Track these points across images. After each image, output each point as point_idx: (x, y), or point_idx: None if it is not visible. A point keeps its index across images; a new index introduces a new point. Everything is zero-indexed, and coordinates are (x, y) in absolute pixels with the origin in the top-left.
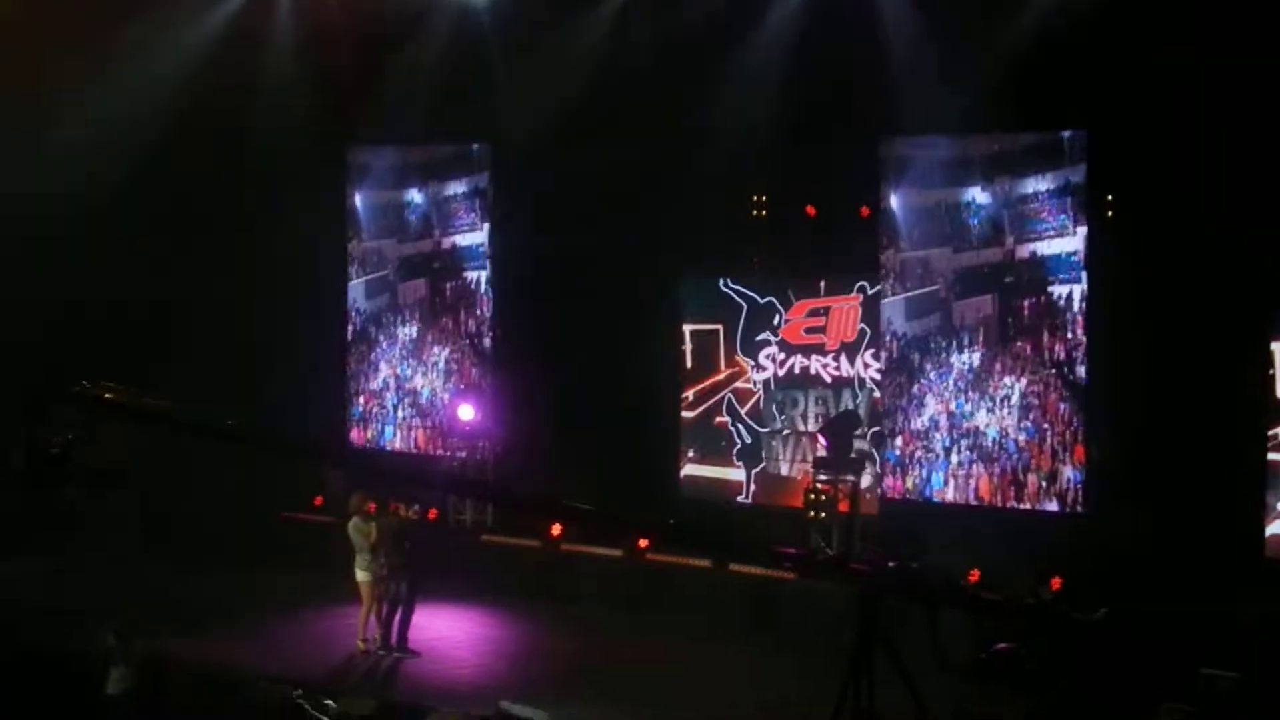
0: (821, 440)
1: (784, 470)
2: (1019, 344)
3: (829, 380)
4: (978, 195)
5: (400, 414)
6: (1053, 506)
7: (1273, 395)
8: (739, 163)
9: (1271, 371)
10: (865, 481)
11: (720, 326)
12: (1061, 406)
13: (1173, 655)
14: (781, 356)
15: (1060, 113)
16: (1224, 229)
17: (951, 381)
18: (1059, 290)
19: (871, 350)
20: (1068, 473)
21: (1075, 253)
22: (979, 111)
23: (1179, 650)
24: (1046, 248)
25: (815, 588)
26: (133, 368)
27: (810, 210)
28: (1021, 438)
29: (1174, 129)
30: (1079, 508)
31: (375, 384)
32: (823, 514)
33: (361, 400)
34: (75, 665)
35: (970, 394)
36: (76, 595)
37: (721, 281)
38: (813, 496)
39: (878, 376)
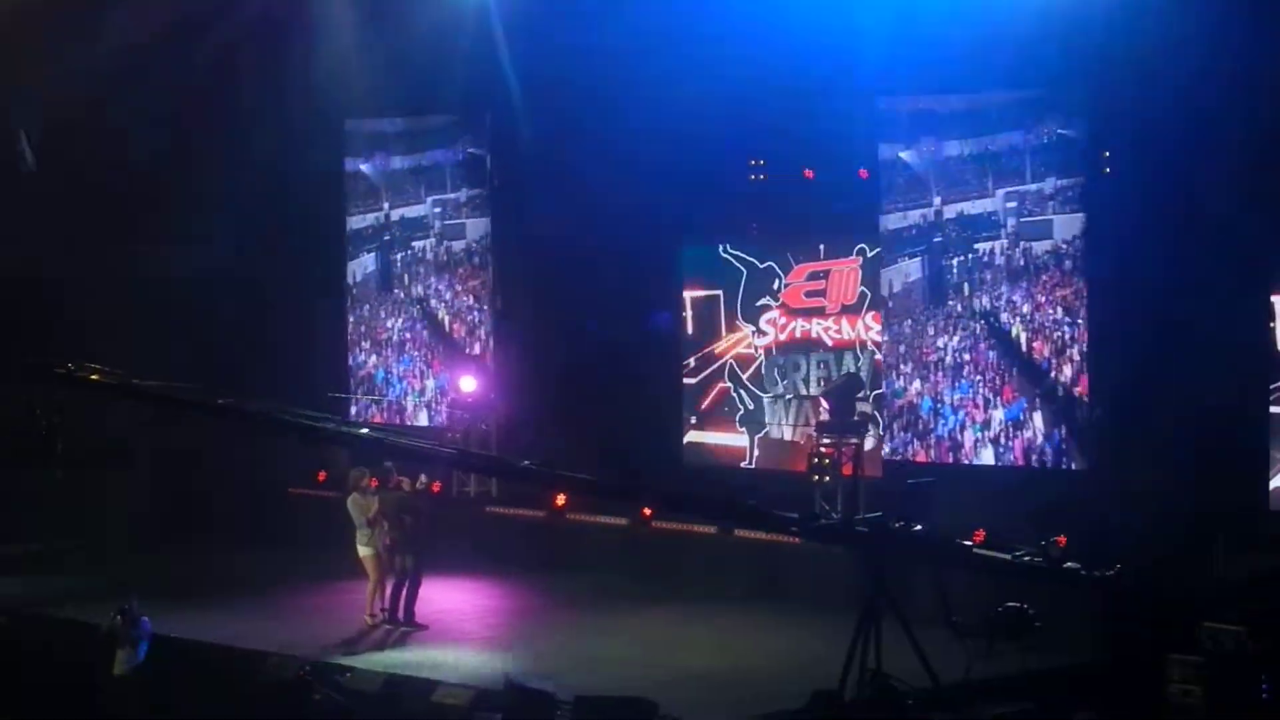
0: (824, 404)
1: (787, 435)
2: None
3: (830, 344)
4: (967, 149)
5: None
6: (1056, 464)
7: (1274, 348)
8: (737, 127)
9: (1272, 324)
10: (868, 444)
11: (720, 292)
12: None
13: (1178, 609)
14: (782, 321)
15: (1058, 66)
16: (1226, 181)
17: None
18: (1057, 243)
19: (872, 313)
20: (1064, 430)
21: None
22: (973, 67)
23: (1184, 604)
24: (1043, 204)
25: (821, 551)
26: (125, 344)
27: (808, 174)
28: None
29: (1173, 78)
30: (1073, 465)
31: (372, 356)
32: (826, 477)
33: (363, 367)
34: (81, 646)
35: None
36: (80, 575)
37: (721, 247)
38: (816, 460)
39: (879, 339)
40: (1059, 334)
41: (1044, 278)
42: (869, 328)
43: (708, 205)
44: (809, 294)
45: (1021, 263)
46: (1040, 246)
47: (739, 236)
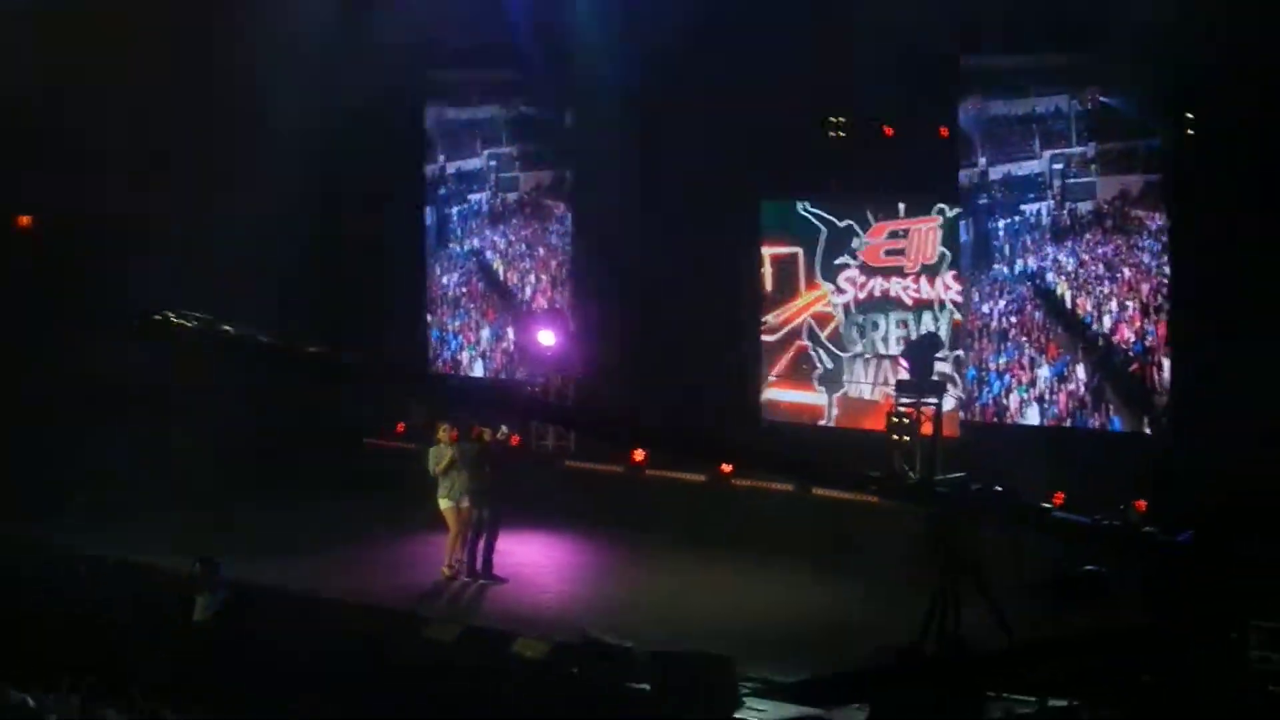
0: (903, 363)
1: (865, 394)
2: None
3: (909, 303)
4: (1056, 106)
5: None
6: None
7: None
8: (817, 83)
9: None
10: (947, 404)
11: (800, 250)
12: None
13: (1261, 575)
14: (861, 279)
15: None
16: None
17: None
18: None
19: (952, 272)
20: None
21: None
22: (1056, 28)
23: (1267, 570)
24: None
25: (899, 511)
26: (209, 294)
27: (888, 131)
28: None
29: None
30: (1159, 427)
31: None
32: (905, 437)
33: (441, 324)
34: (162, 592)
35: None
36: (158, 524)
37: (800, 205)
38: (894, 420)
39: (958, 299)
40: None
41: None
42: (948, 287)
43: (787, 162)
44: (888, 252)
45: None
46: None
47: (818, 194)
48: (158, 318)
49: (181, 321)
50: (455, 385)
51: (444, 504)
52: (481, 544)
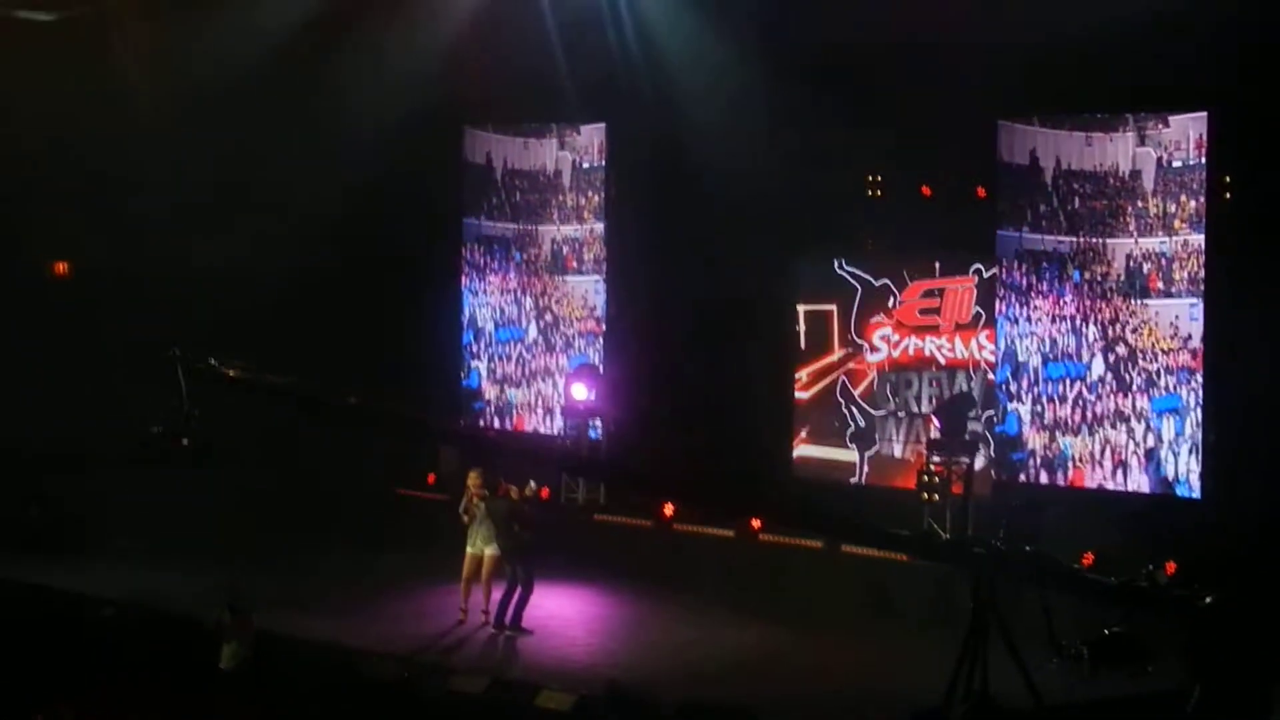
0: (935, 422)
1: (897, 452)
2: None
3: (943, 362)
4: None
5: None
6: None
7: None
8: (855, 142)
9: None
10: (978, 463)
11: (834, 307)
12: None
13: None
14: (896, 338)
15: (1177, 92)
16: None
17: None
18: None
19: (986, 332)
20: (1183, 457)
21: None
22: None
23: None
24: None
25: (928, 570)
26: (241, 340)
27: (926, 190)
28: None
29: None
30: (1194, 492)
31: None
32: (936, 496)
33: (476, 378)
34: (189, 640)
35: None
36: (190, 571)
37: (836, 263)
38: (926, 478)
39: (992, 359)
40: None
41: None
42: (982, 346)
43: (825, 220)
44: (923, 311)
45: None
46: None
47: (855, 252)
48: (200, 366)
49: (225, 370)
50: (487, 438)
51: (469, 550)
52: (514, 598)
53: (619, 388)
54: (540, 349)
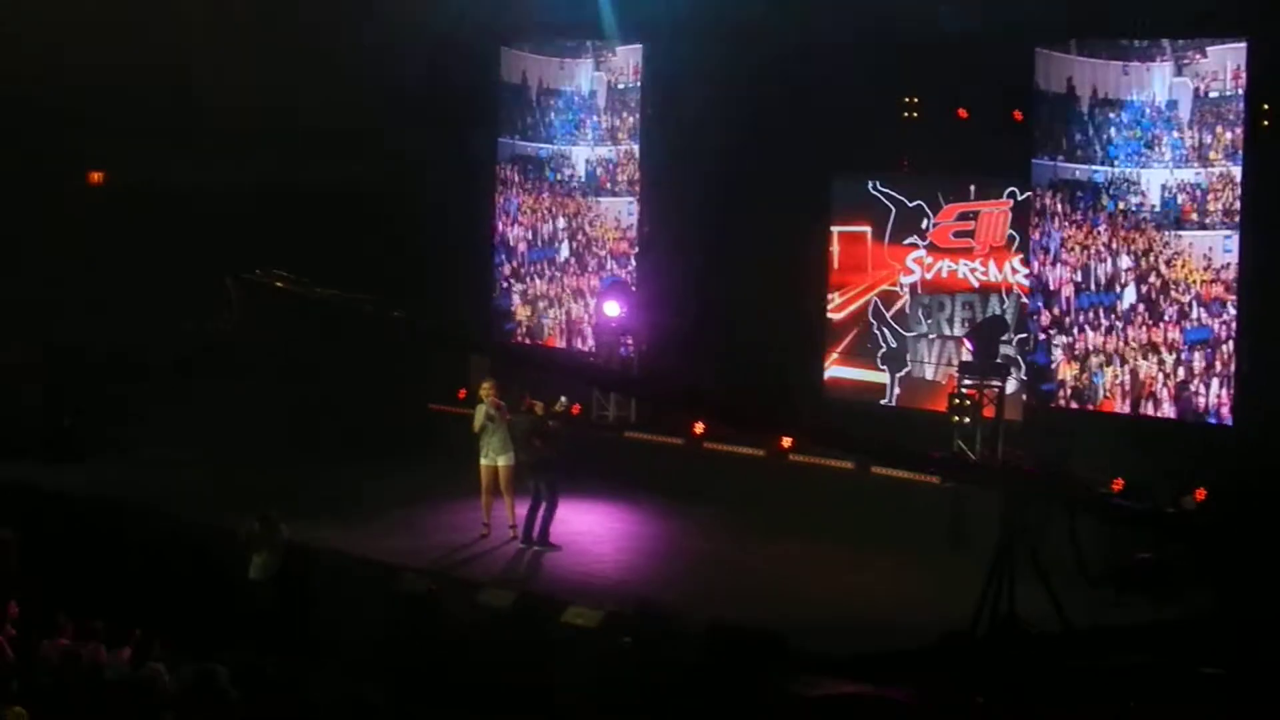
0: (967, 345)
1: (928, 374)
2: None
3: (976, 286)
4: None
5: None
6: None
7: None
8: (892, 63)
9: None
10: (1010, 387)
11: (868, 228)
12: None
13: None
14: (929, 260)
15: (1215, 20)
16: None
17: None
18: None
19: (1019, 256)
20: (1214, 388)
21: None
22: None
23: None
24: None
25: (957, 493)
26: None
27: (962, 113)
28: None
29: None
30: (1225, 422)
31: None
32: (966, 419)
33: (506, 292)
34: (219, 548)
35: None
36: (223, 481)
37: (871, 183)
38: (957, 401)
39: (1025, 283)
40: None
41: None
42: (1015, 270)
43: (860, 140)
44: (957, 234)
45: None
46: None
47: (890, 173)
48: (247, 276)
49: (271, 279)
50: (517, 352)
51: (481, 462)
52: (539, 514)
53: (651, 306)
54: (573, 269)
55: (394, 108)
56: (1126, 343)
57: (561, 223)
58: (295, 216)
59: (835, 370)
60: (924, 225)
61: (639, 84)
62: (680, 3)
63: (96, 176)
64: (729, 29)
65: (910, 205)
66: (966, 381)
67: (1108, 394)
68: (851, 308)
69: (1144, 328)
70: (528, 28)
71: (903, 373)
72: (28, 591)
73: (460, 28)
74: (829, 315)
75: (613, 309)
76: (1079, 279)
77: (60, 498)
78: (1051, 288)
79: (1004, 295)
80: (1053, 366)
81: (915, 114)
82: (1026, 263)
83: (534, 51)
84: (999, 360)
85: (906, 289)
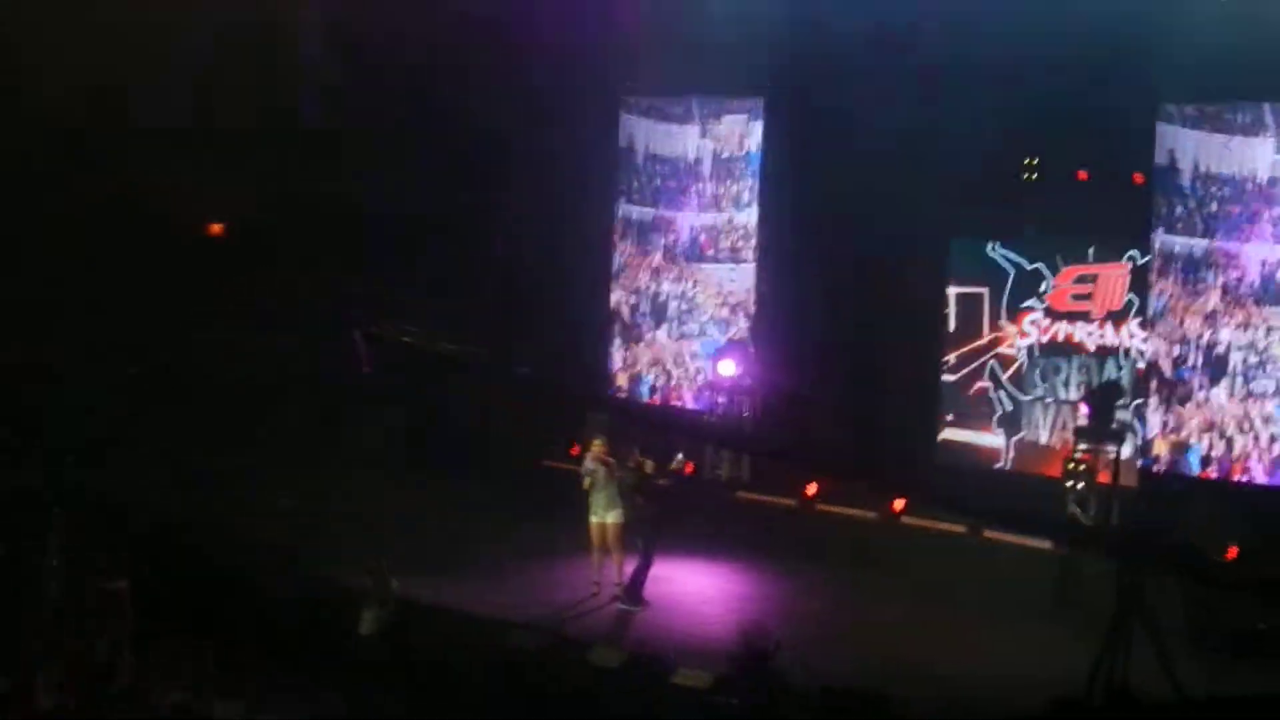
0: (1084, 409)
1: (1043, 438)
2: None
3: (1093, 349)
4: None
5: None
6: None
7: None
8: (1012, 125)
9: None
10: (1126, 452)
11: (986, 290)
12: None
13: None
14: (1046, 323)
15: None
16: None
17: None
18: None
19: (1137, 320)
20: None
21: None
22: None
23: None
24: None
25: (1070, 558)
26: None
27: (1082, 175)
28: None
29: None
30: None
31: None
32: (1081, 484)
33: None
34: (330, 602)
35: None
36: (336, 527)
37: (990, 245)
38: (1072, 466)
39: (1143, 347)
40: None
41: None
42: (1133, 335)
43: (979, 202)
44: (1075, 297)
45: None
46: None
47: (1009, 236)
48: (374, 332)
49: (399, 335)
50: (632, 408)
51: (591, 518)
52: (632, 569)
53: (766, 365)
54: (675, 331)
55: (513, 169)
56: (1237, 412)
57: (666, 286)
58: (409, 270)
59: (949, 433)
60: (1042, 288)
61: (745, 152)
62: (802, 66)
63: (217, 227)
64: (851, 92)
65: (1029, 268)
66: (1082, 446)
67: (1222, 460)
68: (967, 369)
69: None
70: (639, 91)
71: (1018, 436)
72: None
73: (579, 90)
74: (944, 377)
75: (728, 368)
76: (1182, 349)
77: (181, 548)
78: (1161, 354)
79: (1121, 359)
80: (1163, 433)
81: (1035, 175)
82: (1144, 326)
83: (643, 116)
84: (1115, 425)
85: (1023, 351)
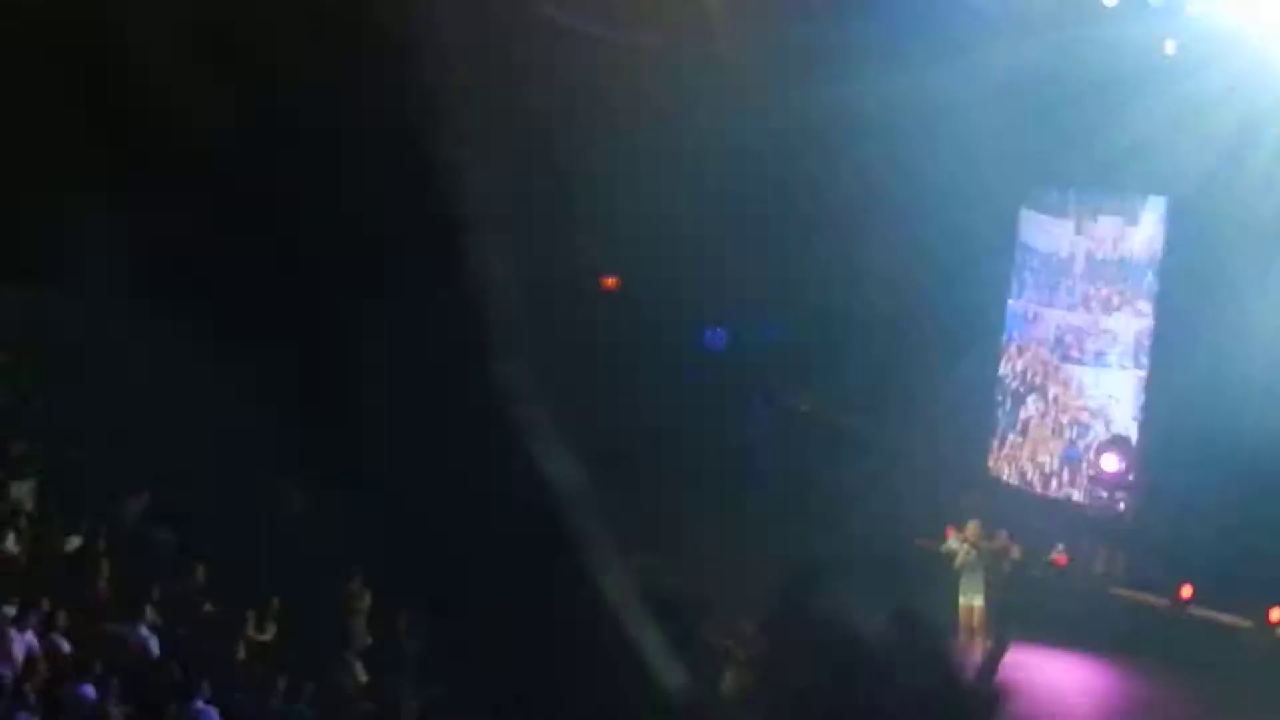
0: None
1: None
2: None
3: None
4: None
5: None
6: None
7: None
8: None
9: None
10: None
11: None
12: None
13: None
14: None
15: None
16: None
17: None
18: None
19: None
20: None
21: None
22: None
23: None
24: None
25: None
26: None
27: None
28: None
29: None
30: None
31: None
32: None
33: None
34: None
35: None
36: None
37: None
38: None
39: None
40: None
41: None
42: None
43: None
44: None
45: None
46: None
47: None
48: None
49: (798, 404)
50: (1012, 493)
51: (960, 600)
52: (982, 653)
53: (1150, 463)
54: (1046, 428)
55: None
56: None
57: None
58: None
59: None
60: None
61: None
62: (1204, 171)
63: (611, 281)
64: (1242, 184)
65: None
66: None
67: None
68: None
69: None
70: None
71: None
72: None
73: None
74: None
75: (1110, 463)
76: None
77: None
78: None
79: None
80: None
81: None
82: None
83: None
84: None
85: None
